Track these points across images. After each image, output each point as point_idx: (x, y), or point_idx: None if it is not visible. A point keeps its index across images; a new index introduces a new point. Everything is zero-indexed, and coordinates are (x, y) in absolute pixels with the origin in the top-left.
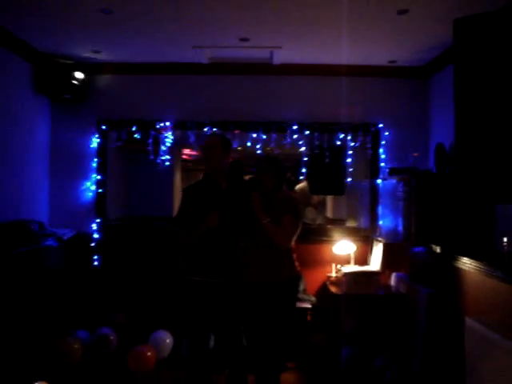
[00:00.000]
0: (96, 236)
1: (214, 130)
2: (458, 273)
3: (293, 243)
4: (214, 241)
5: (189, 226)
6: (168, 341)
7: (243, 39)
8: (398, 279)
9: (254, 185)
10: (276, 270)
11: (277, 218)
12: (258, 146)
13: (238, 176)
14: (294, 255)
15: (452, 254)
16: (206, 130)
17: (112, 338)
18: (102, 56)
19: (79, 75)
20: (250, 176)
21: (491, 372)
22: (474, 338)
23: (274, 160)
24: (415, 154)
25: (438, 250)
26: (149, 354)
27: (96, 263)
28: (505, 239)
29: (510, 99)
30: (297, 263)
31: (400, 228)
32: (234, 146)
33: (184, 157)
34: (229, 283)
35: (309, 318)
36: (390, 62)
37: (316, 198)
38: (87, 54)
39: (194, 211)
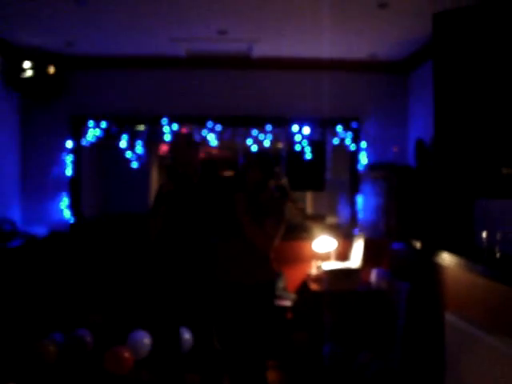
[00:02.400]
0: (70, 235)
1: (191, 124)
2: (437, 268)
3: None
4: (182, 236)
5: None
6: (146, 341)
7: (221, 32)
8: (379, 275)
9: (238, 182)
10: (252, 271)
11: (260, 218)
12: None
13: (211, 173)
14: (272, 254)
15: (432, 250)
16: (183, 124)
17: (88, 339)
18: (76, 49)
19: (52, 69)
20: (233, 172)
21: (471, 366)
22: (453, 333)
23: (264, 155)
24: (395, 149)
25: (418, 245)
26: (126, 354)
27: (71, 262)
28: (484, 234)
29: (488, 94)
30: (275, 263)
31: (380, 224)
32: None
33: (161, 153)
34: (200, 281)
35: (289, 315)
36: (370, 56)
37: (295, 195)
38: (61, 47)
39: (164, 202)
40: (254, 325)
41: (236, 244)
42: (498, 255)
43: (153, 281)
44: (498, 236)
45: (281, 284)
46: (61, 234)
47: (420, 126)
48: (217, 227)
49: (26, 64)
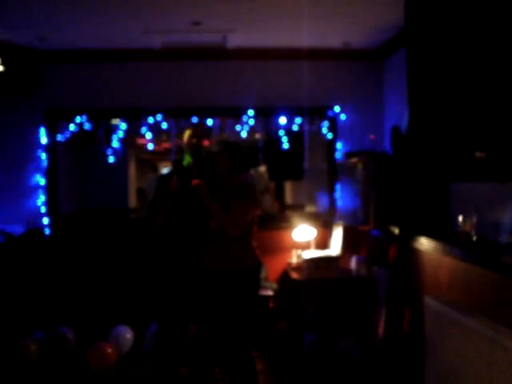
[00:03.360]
0: (48, 232)
1: (169, 117)
2: (416, 253)
3: (249, 229)
4: (181, 228)
5: (159, 207)
6: (128, 336)
7: (196, 23)
8: (359, 262)
9: (211, 171)
10: (233, 257)
11: (227, 203)
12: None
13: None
14: (254, 242)
15: (410, 235)
16: (159, 118)
17: (69, 336)
18: (49, 43)
19: (23, 64)
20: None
21: (450, 348)
22: (432, 316)
23: (231, 144)
24: (372, 137)
25: (397, 231)
26: (109, 350)
27: (49, 260)
28: (460, 218)
29: (461, 80)
30: (257, 251)
31: (359, 211)
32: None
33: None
34: (190, 270)
35: (271, 305)
36: (343, 44)
37: (272, 185)
38: (33, 42)
39: (164, 196)
40: (238, 309)
41: (216, 231)
42: (474, 238)
43: (151, 273)
44: (474, 219)
45: (262, 274)
46: (38, 231)
47: (395, 113)
48: (200, 217)
49: None
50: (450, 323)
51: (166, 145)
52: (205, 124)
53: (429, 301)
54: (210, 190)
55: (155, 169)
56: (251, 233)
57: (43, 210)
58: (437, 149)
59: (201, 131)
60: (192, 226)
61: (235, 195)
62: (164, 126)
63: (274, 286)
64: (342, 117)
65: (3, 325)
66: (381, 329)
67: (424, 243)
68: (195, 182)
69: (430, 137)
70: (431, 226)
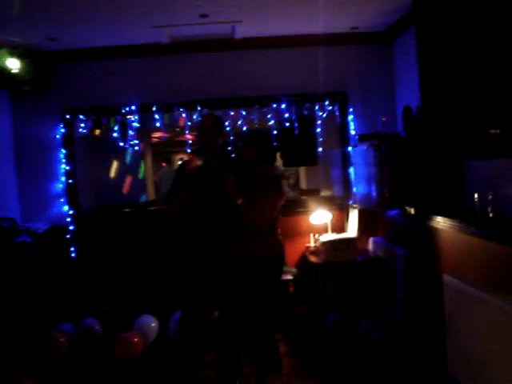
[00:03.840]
0: (71, 227)
1: (181, 110)
2: (432, 232)
3: (275, 220)
4: (201, 217)
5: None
6: (153, 325)
7: (203, 15)
8: (376, 243)
9: (237, 162)
10: (260, 247)
11: (254, 195)
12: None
13: (227, 155)
14: (279, 230)
15: (426, 215)
16: (173, 111)
17: (97, 327)
18: (59, 43)
19: (37, 64)
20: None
21: (471, 325)
22: (451, 294)
23: (259, 134)
24: (383, 119)
25: (412, 211)
26: (135, 340)
27: (74, 254)
28: (476, 195)
29: (472, 57)
30: (280, 240)
31: (374, 193)
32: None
33: (156, 141)
34: (215, 259)
35: (291, 289)
36: (351, 28)
37: (288, 172)
38: (45, 42)
39: (183, 182)
40: (262, 298)
41: (239, 221)
42: (490, 215)
43: (172, 262)
44: (490, 196)
45: None
46: (62, 227)
47: (407, 94)
48: (227, 208)
49: (12, 61)
50: (469, 300)
51: (180, 137)
52: (214, 115)
53: (447, 279)
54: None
55: (169, 161)
56: (276, 222)
57: (65, 206)
58: (450, 127)
59: (208, 123)
60: (212, 213)
61: (262, 188)
62: (177, 119)
63: (294, 270)
64: (354, 100)
65: (32, 318)
66: (400, 308)
67: (440, 222)
68: (226, 176)
69: (443, 115)
70: (447, 204)
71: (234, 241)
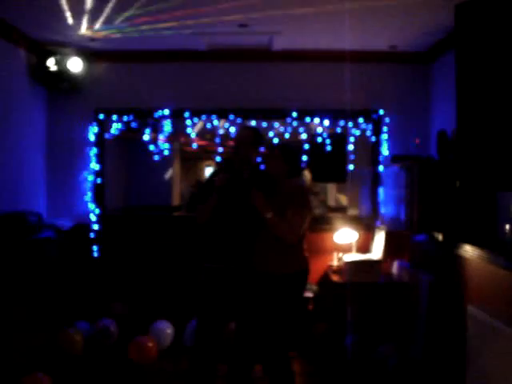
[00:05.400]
0: (95, 226)
1: (213, 117)
2: (459, 260)
3: (304, 233)
4: (227, 229)
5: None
6: (169, 331)
7: (242, 25)
8: (400, 267)
9: (266, 176)
10: (285, 261)
11: (283, 209)
12: None
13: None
14: (305, 246)
15: (454, 242)
16: (204, 117)
17: (113, 329)
18: (99, 44)
19: (76, 64)
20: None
21: (493, 359)
22: (475, 326)
23: (287, 147)
24: (417, 141)
25: (440, 237)
26: (150, 344)
27: (96, 254)
28: (507, 226)
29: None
30: (306, 255)
31: (402, 216)
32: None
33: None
34: (239, 271)
35: (310, 307)
36: (390, 46)
37: (317, 187)
38: (84, 43)
39: (210, 191)
40: (282, 314)
41: (266, 235)
42: None
43: (192, 269)
44: None
45: None
46: (86, 225)
47: (443, 117)
48: (254, 221)
49: (51, 59)
50: (493, 334)
51: (210, 144)
52: (252, 127)
53: (472, 310)
54: (264, 195)
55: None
56: (304, 237)
57: (91, 205)
58: (485, 154)
59: (244, 136)
60: (238, 224)
61: (291, 202)
62: (208, 125)
63: (314, 287)
64: (387, 120)
65: (49, 314)
66: (421, 336)
67: (469, 251)
68: (254, 192)
69: (479, 142)
70: (477, 233)
71: (260, 254)
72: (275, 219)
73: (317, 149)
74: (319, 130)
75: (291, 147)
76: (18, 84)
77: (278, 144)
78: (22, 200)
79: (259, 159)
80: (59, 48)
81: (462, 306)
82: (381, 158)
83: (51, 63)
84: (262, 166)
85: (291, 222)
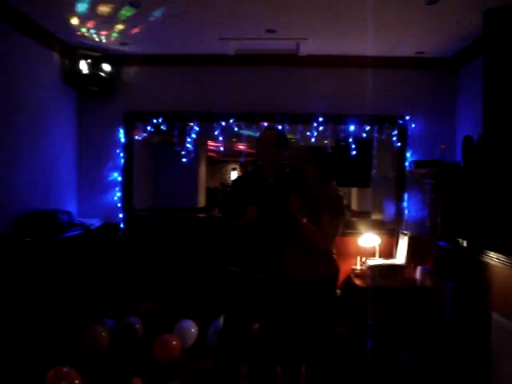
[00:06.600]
0: (122, 226)
1: (240, 121)
2: (484, 267)
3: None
4: (255, 234)
5: (233, 214)
6: (193, 330)
7: (269, 31)
8: (424, 273)
9: (298, 180)
10: (312, 266)
11: (317, 215)
12: None
13: (284, 171)
14: (334, 250)
15: (479, 248)
16: (231, 121)
17: (138, 326)
18: (129, 48)
19: (106, 67)
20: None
21: None
22: (500, 334)
23: (319, 151)
24: (443, 147)
25: (465, 243)
26: (174, 342)
27: (123, 253)
28: None
29: None
30: (336, 259)
31: (426, 221)
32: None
33: (211, 150)
34: (267, 278)
35: (333, 310)
36: (417, 53)
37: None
38: (114, 46)
39: (238, 202)
40: (316, 318)
41: (298, 241)
42: None
43: (218, 273)
44: None
45: None
46: (114, 225)
47: (469, 123)
48: (283, 227)
49: (83, 62)
50: None
51: (236, 148)
52: (275, 128)
53: (497, 317)
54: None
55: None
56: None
57: (119, 205)
58: (511, 161)
59: (267, 136)
60: (268, 231)
61: (328, 208)
62: (235, 129)
63: (337, 291)
64: (412, 125)
65: (77, 310)
66: (444, 343)
67: (494, 257)
68: (292, 197)
69: (506, 149)
70: (502, 240)
71: (291, 259)
72: (310, 226)
73: (341, 153)
74: (344, 134)
75: (324, 151)
76: (51, 87)
77: (310, 148)
78: (54, 199)
79: (286, 162)
80: (91, 52)
81: (486, 314)
82: (406, 164)
83: (83, 67)
84: (288, 169)
85: (328, 229)
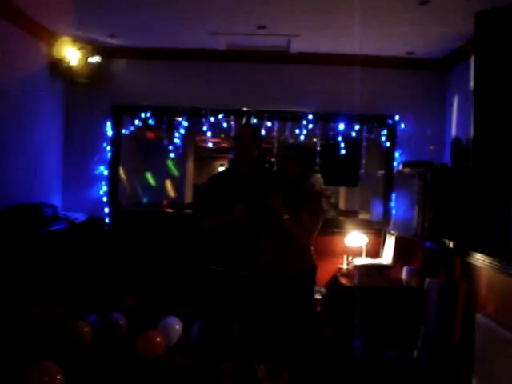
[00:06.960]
0: (107, 221)
1: (230, 117)
2: (470, 268)
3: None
4: (235, 232)
5: (211, 213)
6: (177, 327)
7: (261, 27)
8: (410, 273)
9: (279, 177)
10: (291, 262)
11: (297, 211)
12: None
13: (262, 167)
14: (312, 247)
15: (465, 250)
16: (220, 117)
17: (122, 322)
18: (118, 40)
19: (95, 59)
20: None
21: (500, 369)
22: (484, 335)
23: (301, 149)
24: (431, 148)
25: (451, 244)
26: (158, 339)
27: (107, 248)
28: None
29: None
30: (314, 255)
31: (413, 222)
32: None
33: (200, 146)
34: (248, 275)
35: (318, 309)
36: (408, 53)
37: (329, 190)
38: (103, 38)
39: (218, 200)
40: (298, 314)
41: (276, 236)
42: None
43: (202, 268)
44: None
45: None
46: (98, 219)
47: (458, 124)
48: (262, 222)
49: (70, 53)
50: (502, 344)
51: (224, 144)
52: (251, 124)
53: (481, 319)
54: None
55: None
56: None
57: (105, 199)
58: (500, 164)
59: (243, 132)
60: (245, 228)
61: (308, 204)
62: (224, 125)
63: (323, 290)
64: (402, 126)
65: (60, 305)
66: (429, 342)
67: (479, 259)
68: (273, 193)
69: (495, 151)
70: (488, 242)
71: (270, 254)
72: (291, 221)
73: (329, 152)
74: (333, 133)
75: (305, 148)
76: (37, 77)
77: (292, 145)
78: (38, 192)
79: (274, 160)
80: (78, 42)
81: (471, 315)
82: (394, 164)
83: (71, 57)
84: (274, 167)
85: (308, 225)
